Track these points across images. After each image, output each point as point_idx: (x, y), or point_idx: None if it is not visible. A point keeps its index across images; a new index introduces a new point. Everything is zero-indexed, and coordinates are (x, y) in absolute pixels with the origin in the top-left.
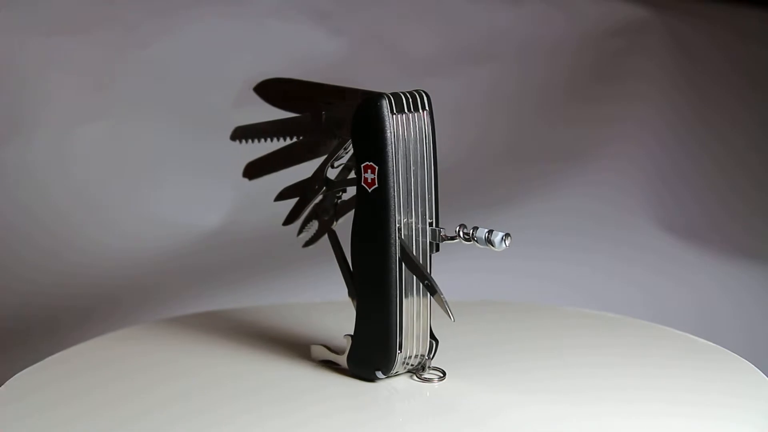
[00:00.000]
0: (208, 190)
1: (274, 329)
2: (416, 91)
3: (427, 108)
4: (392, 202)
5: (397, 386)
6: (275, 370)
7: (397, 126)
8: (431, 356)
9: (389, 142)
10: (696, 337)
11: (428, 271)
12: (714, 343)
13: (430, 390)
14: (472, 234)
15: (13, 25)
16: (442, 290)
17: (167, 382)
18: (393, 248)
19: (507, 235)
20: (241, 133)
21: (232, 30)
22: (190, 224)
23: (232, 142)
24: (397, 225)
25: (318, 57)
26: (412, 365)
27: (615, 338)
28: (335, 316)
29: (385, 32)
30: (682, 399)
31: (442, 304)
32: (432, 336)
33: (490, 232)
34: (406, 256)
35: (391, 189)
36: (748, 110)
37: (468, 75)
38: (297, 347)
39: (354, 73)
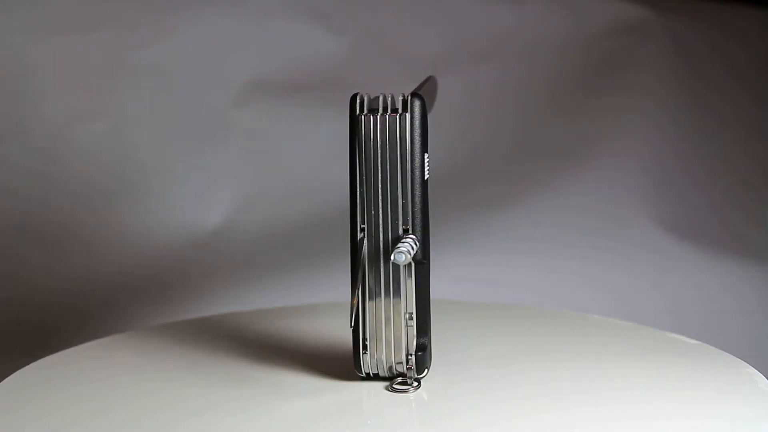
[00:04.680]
0: (207, 190)
1: (273, 332)
2: (411, 93)
3: (411, 110)
4: (354, 202)
5: (364, 393)
6: (269, 375)
7: (367, 126)
8: (416, 369)
9: (355, 140)
10: (689, 339)
11: (409, 277)
12: (714, 341)
13: (396, 399)
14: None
15: (13, 25)
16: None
17: (161, 386)
18: (354, 249)
19: (400, 250)
20: None
21: (232, 30)
22: (190, 225)
23: (232, 142)
24: (360, 226)
25: (318, 57)
26: (395, 371)
27: (610, 341)
28: (338, 317)
29: (385, 32)
30: (676, 399)
31: (351, 309)
32: (421, 347)
33: (398, 246)
34: (355, 259)
35: (351, 189)
36: (747, 111)
37: (468, 75)
38: (295, 351)
39: (354, 73)
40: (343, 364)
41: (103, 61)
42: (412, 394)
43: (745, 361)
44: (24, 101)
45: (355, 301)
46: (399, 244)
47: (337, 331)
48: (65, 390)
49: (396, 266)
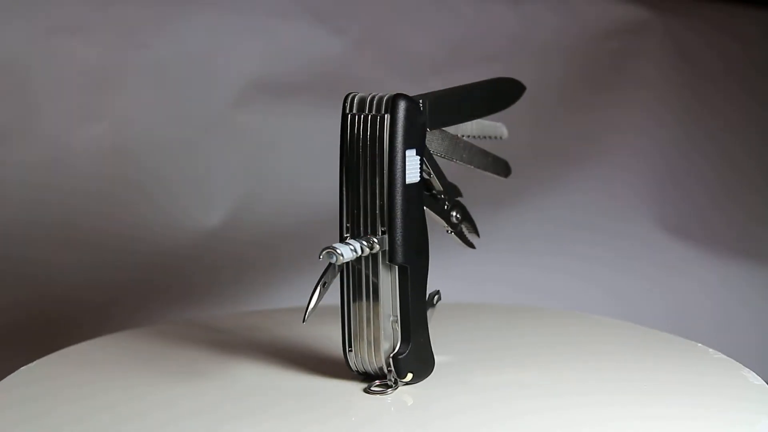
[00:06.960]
0: (207, 190)
1: (272, 333)
2: (395, 94)
3: (393, 111)
4: (342, 201)
5: (343, 393)
6: (264, 375)
7: (352, 126)
8: (396, 372)
9: (343, 140)
10: (689, 339)
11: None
12: (715, 342)
13: (373, 401)
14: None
15: (13, 25)
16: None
17: (155, 387)
18: None
19: (331, 251)
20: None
21: (232, 30)
22: (190, 225)
23: (232, 142)
24: (346, 225)
25: (318, 57)
26: (378, 371)
27: (610, 341)
28: (336, 319)
29: (386, 32)
30: (676, 399)
31: (306, 307)
32: (399, 353)
33: (335, 245)
34: None
35: (339, 189)
36: (747, 112)
37: (469, 75)
38: (291, 351)
39: (354, 73)
40: (335, 364)
41: (103, 61)
42: (389, 397)
43: (747, 362)
44: (24, 101)
45: (314, 298)
46: (337, 244)
47: (334, 333)
48: (54, 392)
49: (375, 268)
